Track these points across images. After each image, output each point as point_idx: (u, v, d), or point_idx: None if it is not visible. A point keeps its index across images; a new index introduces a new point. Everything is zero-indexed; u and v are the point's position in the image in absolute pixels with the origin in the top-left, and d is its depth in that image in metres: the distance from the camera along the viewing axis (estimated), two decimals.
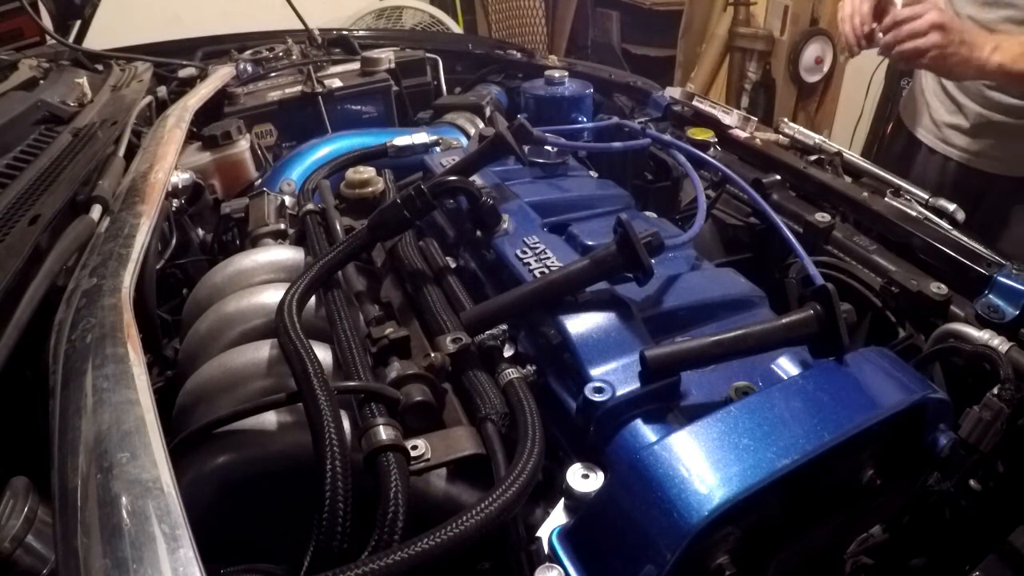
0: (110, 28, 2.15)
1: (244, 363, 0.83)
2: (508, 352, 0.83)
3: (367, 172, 1.23)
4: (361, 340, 0.84)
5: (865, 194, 1.21)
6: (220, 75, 1.71)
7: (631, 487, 0.60)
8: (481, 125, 1.69)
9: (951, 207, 1.18)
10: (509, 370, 0.79)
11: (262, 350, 0.84)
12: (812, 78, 3.36)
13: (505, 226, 1.00)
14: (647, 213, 1.26)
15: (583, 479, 0.68)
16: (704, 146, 1.41)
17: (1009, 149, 1.60)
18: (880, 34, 1.40)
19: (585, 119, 1.49)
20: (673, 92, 1.62)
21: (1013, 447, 0.86)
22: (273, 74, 1.83)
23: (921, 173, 1.73)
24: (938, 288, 0.99)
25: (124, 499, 0.53)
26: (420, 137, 1.42)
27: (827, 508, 0.68)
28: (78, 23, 1.94)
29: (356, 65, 1.85)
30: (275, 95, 1.70)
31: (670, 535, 0.55)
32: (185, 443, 0.72)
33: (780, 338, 0.73)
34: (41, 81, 1.56)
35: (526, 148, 1.14)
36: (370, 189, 1.21)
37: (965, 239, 1.07)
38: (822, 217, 1.18)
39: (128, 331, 0.72)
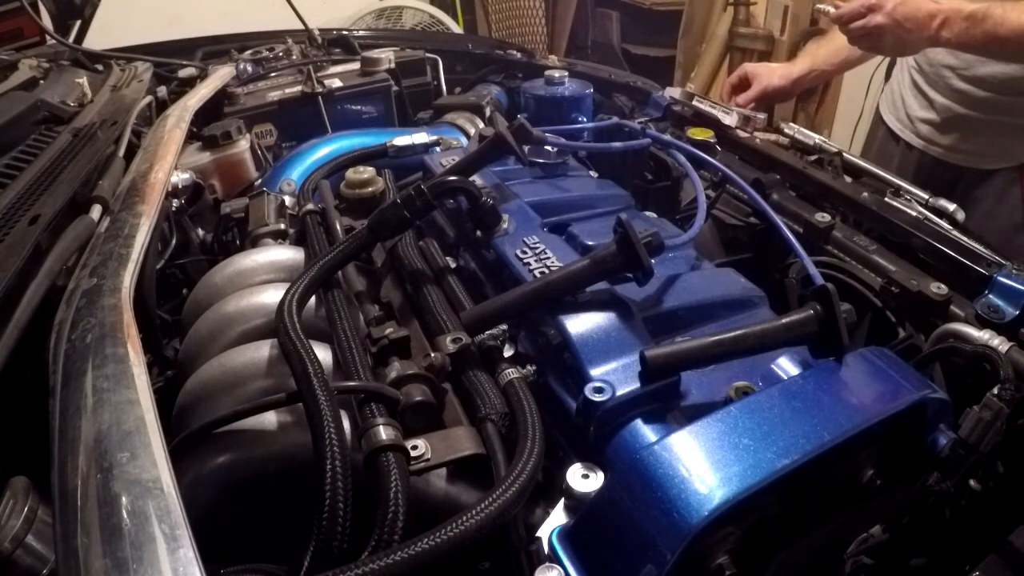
0: (110, 28, 2.15)
1: (244, 363, 0.83)
2: (508, 352, 0.83)
3: (367, 172, 1.23)
4: (361, 340, 0.84)
5: (865, 194, 1.21)
6: (220, 75, 1.70)
7: (631, 487, 0.60)
8: (481, 125, 1.68)
9: (951, 207, 1.18)
10: (509, 370, 0.79)
11: (262, 350, 0.84)
12: None
13: (505, 226, 1.00)
14: (647, 213, 1.26)
15: (583, 479, 0.68)
16: (704, 146, 1.41)
17: (975, 142, 1.63)
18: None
19: (585, 119, 1.48)
20: (673, 92, 1.62)
21: (1013, 447, 0.86)
22: (273, 74, 1.83)
23: (900, 168, 1.75)
24: (938, 288, 0.99)
25: (124, 499, 0.53)
26: (420, 137, 1.42)
27: (827, 508, 0.68)
28: (78, 23, 1.94)
29: (356, 65, 1.85)
30: (275, 95, 1.70)
31: (670, 535, 0.55)
32: (185, 443, 0.72)
33: (780, 338, 0.73)
34: (41, 81, 1.56)
35: (526, 148, 1.14)
36: (370, 189, 1.21)
37: (965, 239, 1.07)
38: (822, 217, 1.18)
39: (128, 331, 0.72)
